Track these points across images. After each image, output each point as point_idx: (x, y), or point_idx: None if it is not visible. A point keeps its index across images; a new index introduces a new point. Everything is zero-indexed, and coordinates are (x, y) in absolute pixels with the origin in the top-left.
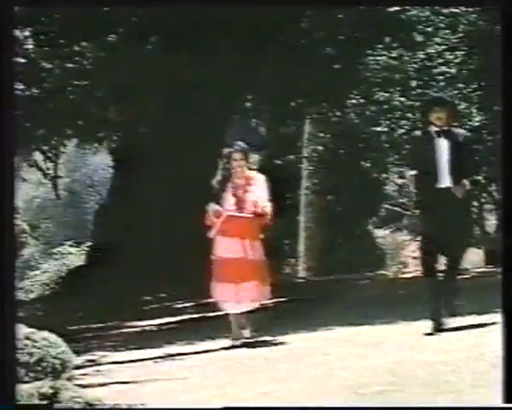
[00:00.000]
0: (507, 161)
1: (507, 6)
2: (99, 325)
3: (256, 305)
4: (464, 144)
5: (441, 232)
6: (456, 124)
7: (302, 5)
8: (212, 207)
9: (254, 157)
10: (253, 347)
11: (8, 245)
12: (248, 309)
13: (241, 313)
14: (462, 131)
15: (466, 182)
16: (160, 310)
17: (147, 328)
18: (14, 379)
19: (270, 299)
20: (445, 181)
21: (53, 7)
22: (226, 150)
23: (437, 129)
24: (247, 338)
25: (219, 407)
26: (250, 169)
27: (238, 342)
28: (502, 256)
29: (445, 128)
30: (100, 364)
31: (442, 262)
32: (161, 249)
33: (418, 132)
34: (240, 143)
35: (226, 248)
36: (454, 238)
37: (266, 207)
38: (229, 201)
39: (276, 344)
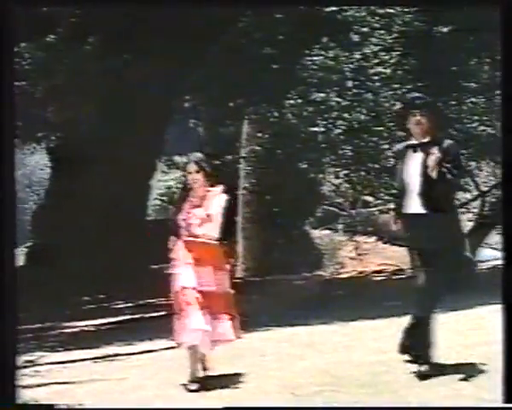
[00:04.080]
0: (506, 163)
1: (507, 6)
2: (38, 325)
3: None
4: (450, 158)
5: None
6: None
7: (241, 5)
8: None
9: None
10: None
11: (9, 245)
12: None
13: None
14: (449, 141)
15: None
16: (99, 310)
17: (85, 328)
18: (14, 379)
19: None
20: (415, 206)
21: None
22: (183, 162)
23: (413, 141)
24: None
25: (221, 407)
26: (212, 183)
27: (194, 386)
28: (502, 253)
29: (425, 140)
30: (38, 364)
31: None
32: (100, 250)
33: (398, 146)
34: (196, 153)
35: (189, 278)
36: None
37: (209, 230)
38: (184, 223)
39: None
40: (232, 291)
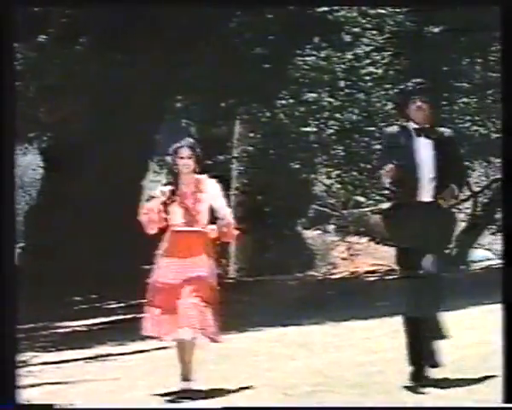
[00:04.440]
0: (506, 163)
1: (507, 6)
2: (30, 325)
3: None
4: (450, 147)
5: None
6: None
7: (232, 5)
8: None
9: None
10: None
11: (9, 246)
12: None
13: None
14: (447, 130)
15: (454, 187)
16: (91, 310)
17: (78, 328)
18: (14, 379)
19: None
20: (427, 193)
21: None
22: (172, 147)
23: (416, 126)
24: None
25: (221, 406)
26: (200, 172)
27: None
28: (502, 252)
29: (427, 125)
30: (31, 365)
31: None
32: (92, 250)
33: (392, 128)
34: (188, 139)
35: (173, 271)
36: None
37: (229, 217)
38: (177, 213)
39: None
40: (217, 287)
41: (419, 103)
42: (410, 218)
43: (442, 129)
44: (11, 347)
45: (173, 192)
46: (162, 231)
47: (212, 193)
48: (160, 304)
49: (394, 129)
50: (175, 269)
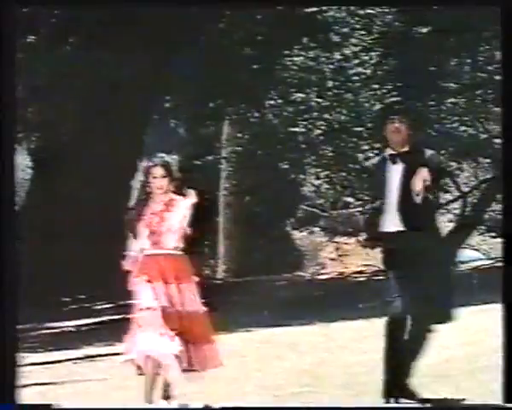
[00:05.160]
0: (506, 163)
1: (507, 6)
2: (18, 326)
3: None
4: (433, 171)
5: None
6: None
7: (220, 5)
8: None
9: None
10: None
11: (9, 247)
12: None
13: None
14: (428, 151)
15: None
16: (79, 311)
17: (66, 329)
18: (15, 379)
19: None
20: (394, 223)
21: None
22: (144, 164)
23: (392, 152)
24: None
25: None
26: (176, 191)
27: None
28: (502, 252)
29: (403, 150)
30: (20, 365)
31: None
32: (80, 250)
33: (374, 160)
34: (162, 154)
35: (149, 295)
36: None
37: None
38: (143, 233)
39: None
40: (204, 310)
41: (396, 125)
42: (382, 248)
43: (424, 150)
44: (11, 347)
45: (139, 212)
46: None
47: (177, 212)
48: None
49: (375, 160)
50: (148, 295)
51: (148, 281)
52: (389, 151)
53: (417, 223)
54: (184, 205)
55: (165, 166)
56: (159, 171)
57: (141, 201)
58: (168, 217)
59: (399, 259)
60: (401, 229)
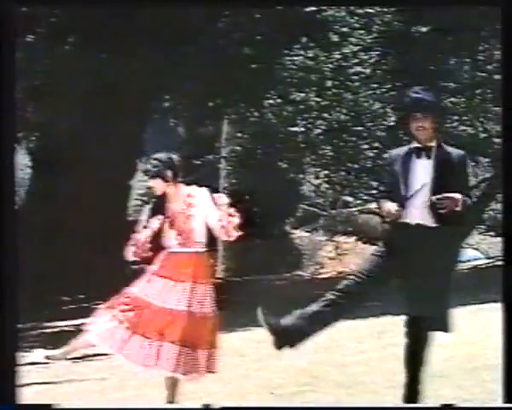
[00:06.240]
0: (506, 163)
1: (507, 6)
2: (18, 325)
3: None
4: (455, 168)
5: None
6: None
7: (220, 5)
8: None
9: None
10: None
11: (9, 247)
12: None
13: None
14: (456, 151)
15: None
16: (79, 310)
17: (65, 328)
18: (15, 379)
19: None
20: (420, 216)
21: None
22: (141, 168)
23: (417, 145)
24: None
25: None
26: (186, 180)
27: None
28: (502, 252)
29: (430, 145)
30: (18, 365)
31: None
32: (80, 250)
33: (397, 150)
34: (162, 154)
35: (163, 294)
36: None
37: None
38: (170, 234)
39: None
40: (216, 312)
41: (420, 123)
42: (399, 240)
43: (450, 149)
44: (11, 347)
45: (162, 219)
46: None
47: (203, 207)
48: (133, 320)
49: (398, 151)
50: (163, 291)
51: (171, 279)
52: (415, 144)
53: (446, 219)
54: (204, 195)
55: (149, 171)
56: (150, 173)
57: (155, 207)
58: (191, 212)
59: (408, 254)
60: (428, 224)
